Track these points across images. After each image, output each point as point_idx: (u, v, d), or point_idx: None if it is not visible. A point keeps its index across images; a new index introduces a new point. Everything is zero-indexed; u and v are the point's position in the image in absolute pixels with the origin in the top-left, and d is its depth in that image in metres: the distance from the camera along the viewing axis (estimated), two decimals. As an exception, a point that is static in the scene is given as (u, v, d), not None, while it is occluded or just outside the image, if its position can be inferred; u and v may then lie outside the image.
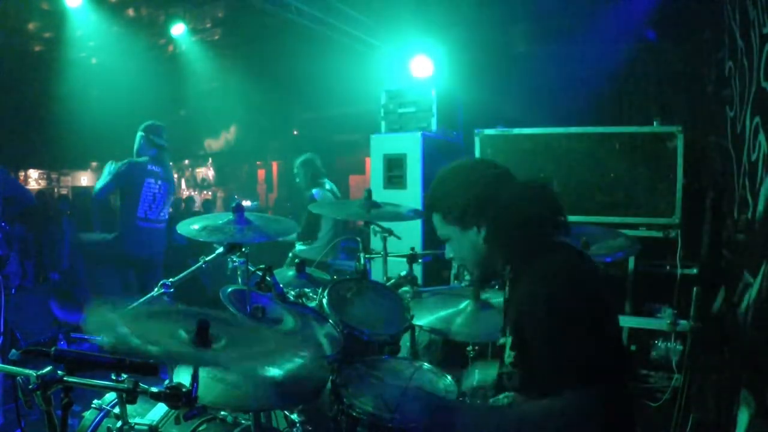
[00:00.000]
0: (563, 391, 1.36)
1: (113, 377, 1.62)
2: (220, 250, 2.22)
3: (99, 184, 4.52)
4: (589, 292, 1.50)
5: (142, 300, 2.03)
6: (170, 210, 4.81)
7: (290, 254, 5.07)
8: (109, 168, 4.43)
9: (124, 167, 4.42)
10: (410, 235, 4.40)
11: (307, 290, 2.81)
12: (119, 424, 1.76)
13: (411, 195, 4.59)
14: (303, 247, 5.08)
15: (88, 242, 5.06)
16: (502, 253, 1.64)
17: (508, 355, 1.66)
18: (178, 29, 8.13)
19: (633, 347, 3.75)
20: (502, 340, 1.66)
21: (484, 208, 1.61)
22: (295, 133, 11.08)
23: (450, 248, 1.75)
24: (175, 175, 15.11)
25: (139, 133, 4.67)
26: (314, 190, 5.11)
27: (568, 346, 1.39)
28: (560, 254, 1.58)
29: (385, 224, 3.18)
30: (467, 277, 3.77)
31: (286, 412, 2.14)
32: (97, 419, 2.04)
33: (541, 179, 1.68)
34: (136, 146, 4.67)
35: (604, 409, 1.35)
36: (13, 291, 4.48)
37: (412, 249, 3.16)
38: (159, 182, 4.60)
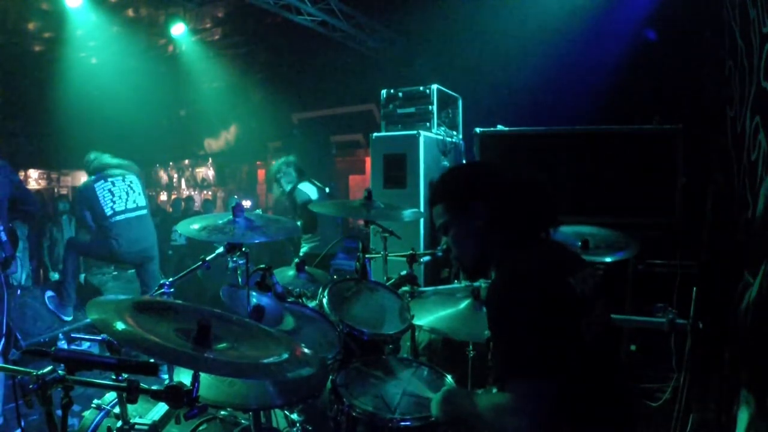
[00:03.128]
0: (506, 383, 1.47)
1: (113, 377, 1.63)
2: (220, 250, 2.22)
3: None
4: (543, 293, 1.48)
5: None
6: (145, 199, 5.01)
7: (297, 259, 5.06)
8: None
9: (76, 195, 4.87)
10: (410, 235, 4.40)
11: (307, 290, 2.81)
12: (119, 423, 1.76)
13: (411, 195, 4.58)
14: (307, 249, 5.10)
15: (84, 244, 5.15)
16: (501, 239, 1.66)
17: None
18: (178, 29, 8.13)
19: (633, 347, 3.75)
20: (487, 333, 1.70)
21: (487, 195, 1.65)
22: (296, 133, 11.07)
23: (450, 239, 1.76)
24: (175, 175, 15.21)
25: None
26: (300, 185, 5.13)
27: (510, 341, 1.48)
28: (536, 251, 1.63)
29: (385, 224, 3.18)
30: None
31: (286, 412, 2.14)
32: (97, 419, 2.04)
33: (538, 176, 1.71)
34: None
35: (546, 406, 1.40)
36: (18, 292, 4.51)
37: (412, 249, 3.15)
38: (110, 179, 4.79)
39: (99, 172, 4.80)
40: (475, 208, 1.66)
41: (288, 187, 5.24)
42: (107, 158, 4.95)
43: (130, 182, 4.87)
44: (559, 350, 1.43)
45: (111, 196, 4.71)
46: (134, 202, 4.82)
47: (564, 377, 1.42)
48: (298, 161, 5.41)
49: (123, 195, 4.77)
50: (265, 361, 1.48)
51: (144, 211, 4.89)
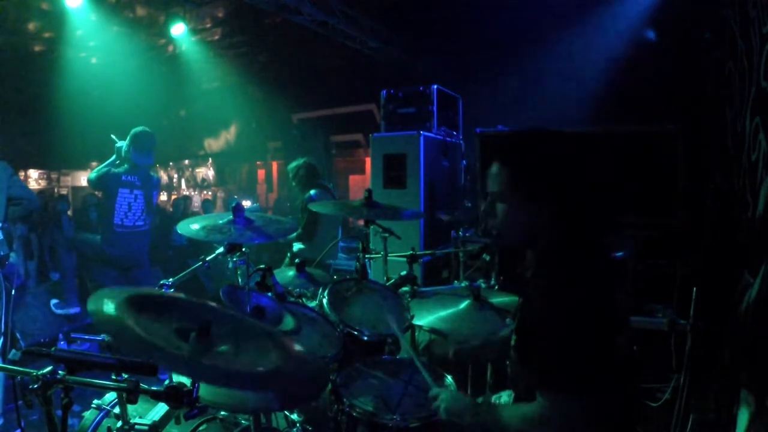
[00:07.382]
0: (545, 393, 1.43)
1: (113, 377, 1.62)
2: (220, 250, 2.22)
3: (95, 172, 4.68)
4: (599, 306, 1.47)
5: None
6: (151, 217, 4.89)
7: (289, 254, 5.05)
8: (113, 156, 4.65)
9: (102, 173, 4.55)
10: (410, 235, 4.40)
11: (307, 290, 2.81)
12: (119, 424, 1.76)
13: (411, 195, 4.59)
14: (302, 246, 5.05)
15: (80, 241, 5.13)
16: (550, 239, 1.59)
17: (513, 339, 1.68)
18: (178, 29, 8.12)
19: (633, 347, 3.74)
20: (509, 322, 1.66)
21: (554, 202, 1.58)
22: (296, 133, 11.08)
23: (498, 209, 1.64)
24: (175, 175, 15.19)
25: (125, 142, 4.71)
26: (312, 192, 5.06)
27: (563, 354, 1.42)
28: (590, 259, 1.58)
29: (385, 224, 3.18)
30: (465, 282, 3.76)
31: (286, 412, 2.14)
32: (97, 419, 2.04)
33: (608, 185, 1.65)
34: (119, 153, 4.73)
35: (584, 421, 1.39)
36: (13, 292, 4.50)
37: (413, 249, 3.15)
38: (134, 191, 4.68)
39: (122, 177, 4.61)
40: (536, 207, 1.58)
41: (301, 189, 5.15)
42: (141, 158, 4.70)
43: (144, 201, 4.75)
44: (598, 369, 1.42)
45: (127, 209, 4.63)
46: (143, 219, 4.74)
47: (597, 394, 1.42)
48: (314, 164, 5.23)
49: (137, 212, 4.68)
50: (264, 369, 1.47)
51: (143, 229, 4.81)
